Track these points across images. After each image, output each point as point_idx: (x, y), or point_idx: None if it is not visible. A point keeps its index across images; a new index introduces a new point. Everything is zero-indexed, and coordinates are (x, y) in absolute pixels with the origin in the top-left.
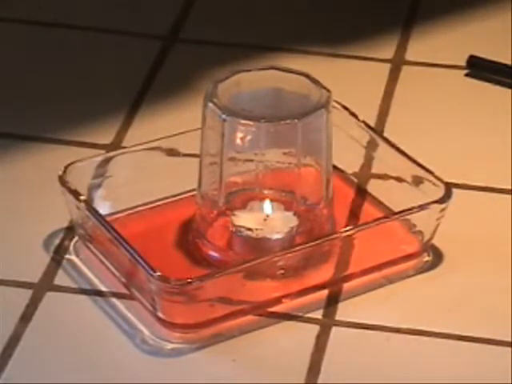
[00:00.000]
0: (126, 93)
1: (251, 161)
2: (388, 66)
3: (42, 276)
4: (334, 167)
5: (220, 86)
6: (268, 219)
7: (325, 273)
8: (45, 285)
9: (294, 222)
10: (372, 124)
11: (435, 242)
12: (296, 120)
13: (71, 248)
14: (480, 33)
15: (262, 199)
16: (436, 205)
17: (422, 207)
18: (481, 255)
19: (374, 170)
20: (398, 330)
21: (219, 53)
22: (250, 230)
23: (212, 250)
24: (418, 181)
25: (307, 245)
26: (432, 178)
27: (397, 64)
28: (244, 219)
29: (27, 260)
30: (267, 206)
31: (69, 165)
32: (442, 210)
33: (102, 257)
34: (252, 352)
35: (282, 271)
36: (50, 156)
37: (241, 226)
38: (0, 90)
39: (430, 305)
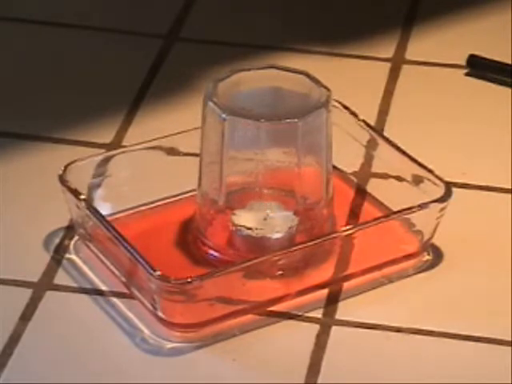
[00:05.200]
0: (126, 92)
1: (251, 160)
2: (388, 65)
3: (42, 275)
4: (334, 166)
5: (220, 85)
6: (268, 218)
7: (325, 272)
8: (45, 284)
9: (294, 221)
10: (372, 123)
11: (435, 241)
12: (296, 119)
13: (71, 247)
14: (480, 32)
15: (262, 198)
16: (436, 204)
17: (421, 206)
18: (481, 254)
19: (373, 169)
20: (398, 330)
21: (219, 52)
22: (250, 229)
23: (212, 249)
24: (417, 180)
25: (307, 244)
26: (432, 177)
27: (397, 63)
28: (244, 218)
29: (27, 259)
30: (267, 205)
31: (69, 164)
32: (442, 209)
33: (102, 256)
34: (252, 351)
35: (282, 270)
36: (50, 155)
37: (241, 226)
38: (0, 89)
39: (430, 304)
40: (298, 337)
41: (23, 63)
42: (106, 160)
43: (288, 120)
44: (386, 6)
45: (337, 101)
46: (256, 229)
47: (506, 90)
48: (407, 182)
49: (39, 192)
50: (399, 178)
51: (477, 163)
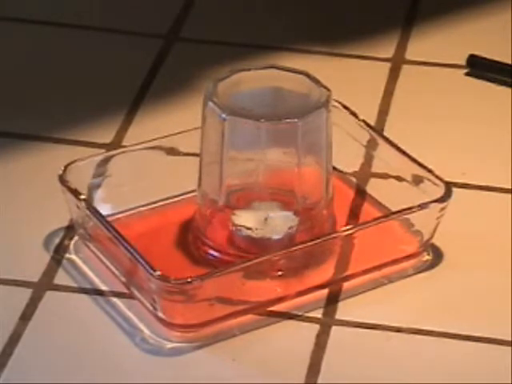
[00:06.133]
0: (126, 92)
1: (251, 160)
2: (388, 65)
3: (42, 275)
4: (334, 167)
5: (220, 85)
6: (268, 219)
7: (325, 272)
8: (45, 284)
9: (294, 221)
10: (372, 123)
11: (435, 241)
12: (296, 119)
13: (71, 247)
14: (480, 32)
15: (262, 199)
16: (436, 204)
17: (421, 206)
18: (481, 254)
19: (373, 170)
20: (398, 330)
21: (219, 52)
22: (250, 229)
23: (212, 249)
24: (417, 180)
25: (307, 244)
26: (432, 177)
27: (397, 63)
28: (244, 219)
29: (27, 259)
30: (267, 205)
31: (69, 164)
32: (442, 209)
33: (102, 256)
34: (252, 351)
35: (282, 271)
36: (50, 155)
37: (241, 226)
38: (0, 89)
39: (430, 304)
40: (298, 337)
41: (23, 63)
42: (106, 160)
43: (288, 120)
44: (386, 6)
45: (337, 101)
46: (256, 229)
47: (506, 89)
48: (407, 182)
49: (39, 192)
50: (399, 178)
51: (477, 163)
